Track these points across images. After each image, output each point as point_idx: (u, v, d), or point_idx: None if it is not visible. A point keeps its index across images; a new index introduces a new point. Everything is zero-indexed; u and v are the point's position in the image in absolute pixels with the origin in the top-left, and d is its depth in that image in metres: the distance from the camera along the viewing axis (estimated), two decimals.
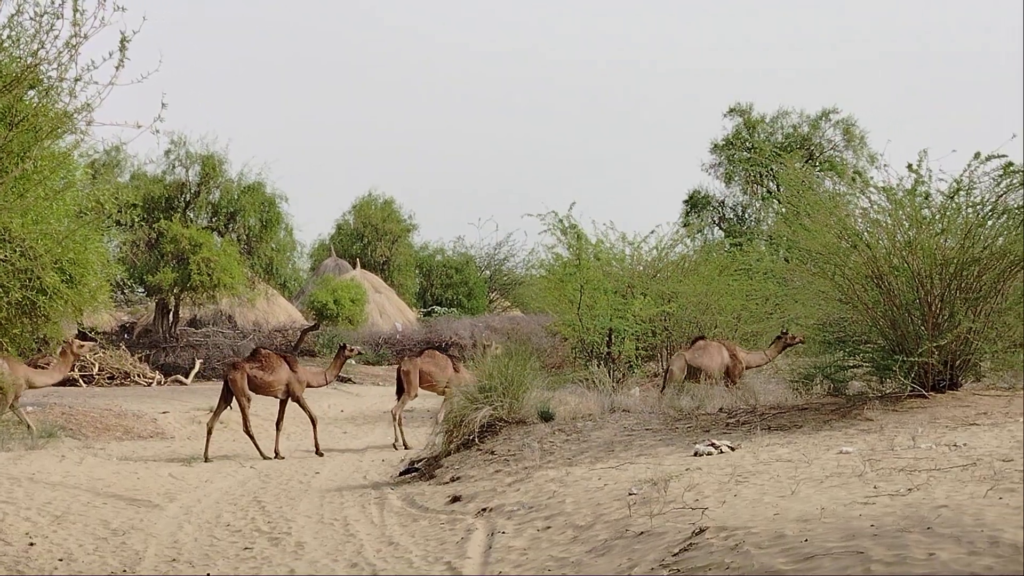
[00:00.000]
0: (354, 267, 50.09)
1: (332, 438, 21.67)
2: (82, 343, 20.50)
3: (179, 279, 35.19)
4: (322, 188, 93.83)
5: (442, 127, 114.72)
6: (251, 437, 19.23)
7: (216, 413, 19.65)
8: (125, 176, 37.58)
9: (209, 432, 19.18)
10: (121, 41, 8.00)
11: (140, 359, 33.69)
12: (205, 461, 18.32)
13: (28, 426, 19.30)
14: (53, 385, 20.84)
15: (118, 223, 15.91)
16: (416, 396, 20.69)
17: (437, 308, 54.20)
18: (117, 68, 8.07)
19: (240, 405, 19.33)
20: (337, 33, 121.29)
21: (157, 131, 8.31)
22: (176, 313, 38.47)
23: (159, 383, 32.42)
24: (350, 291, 39.84)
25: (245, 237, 38.72)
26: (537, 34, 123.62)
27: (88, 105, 8.21)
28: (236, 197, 38.32)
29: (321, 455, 19.29)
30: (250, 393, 19.57)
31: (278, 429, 19.68)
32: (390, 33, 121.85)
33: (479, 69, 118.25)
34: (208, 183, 38.27)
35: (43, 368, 20.73)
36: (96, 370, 31.77)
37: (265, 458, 18.86)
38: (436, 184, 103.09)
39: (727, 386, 19.03)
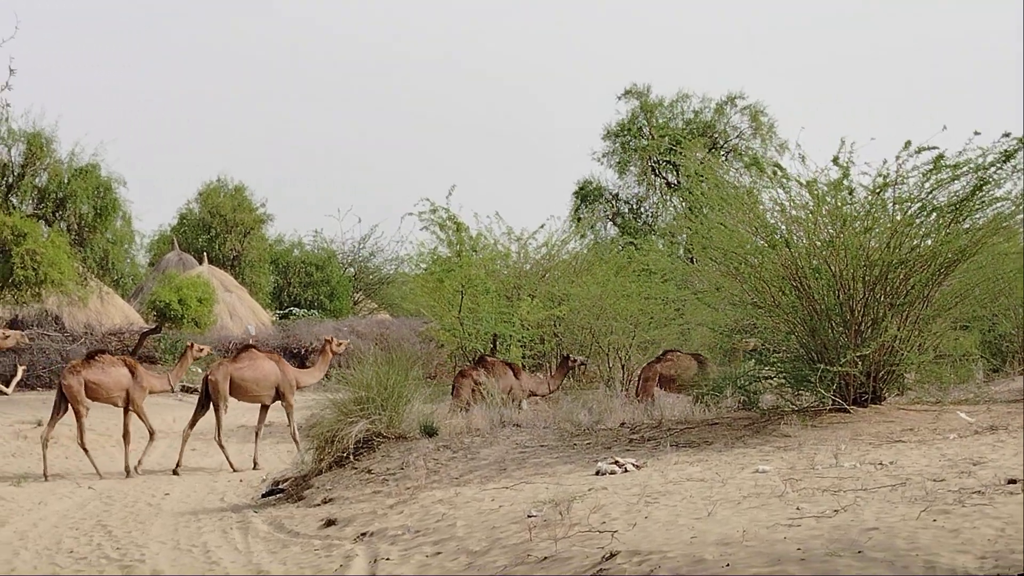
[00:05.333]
0: (200, 262, 49.67)
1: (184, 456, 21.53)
2: (341, 341, 22.03)
3: None
4: (164, 173, 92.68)
5: (301, 109, 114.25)
6: None
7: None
8: None
9: None
10: None
11: None
12: None
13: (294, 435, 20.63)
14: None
15: None
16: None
17: (295, 310, 53.92)
18: None
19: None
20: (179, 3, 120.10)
21: (8, 104, 8.25)
22: None
23: None
24: (197, 289, 39.49)
25: (76, 227, 38.02)
26: (409, 16, 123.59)
27: None
28: (66, 181, 37.56)
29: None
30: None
31: None
32: (238, 4, 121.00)
33: (335, 45, 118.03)
34: (34, 164, 37.48)
35: (307, 368, 23.48)
36: None
37: None
38: (293, 171, 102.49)
39: None
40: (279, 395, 20.73)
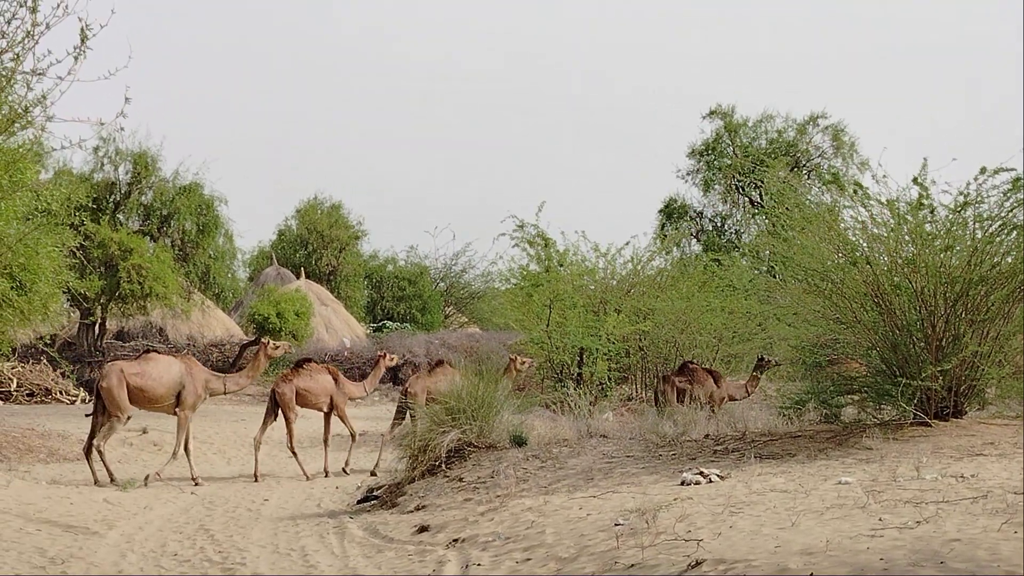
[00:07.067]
0: (298, 277, 50.09)
1: (277, 463, 21.76)
2: (525, 359, 23.17)
3: (107, 288, 34.96)
4: (264, 191, 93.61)
5: (395, 129, 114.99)
6: None
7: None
8: (48, 173, 37.20)
9: None
10: (81, 31, 8.10)
11: (62, 375, 33.35)
12: None
13: None
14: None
15: (71, 226, 15.96)
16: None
17: (388, 323, 54.20)
18: (76, 60, 8.16)
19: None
20: (281, 27, 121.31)
21: (122, 129, 8.44)
22: (103, 325, 38.24)
23: (83, 401, 32.22)
24: (294, 303, 39.72)
25: (180, 243, 38.55)
26: (499, 36, 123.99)
27: (44, 98, 8.28)
28: (171, 198, 38.06)
29: None
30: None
31: None
32: (339, 30, 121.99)
33: (432, 68, 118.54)
34: (140, 183, 38.00)
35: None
36: (14, 386, 31.60)
37: None
38: (388, 189, 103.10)
39: None
40: None
